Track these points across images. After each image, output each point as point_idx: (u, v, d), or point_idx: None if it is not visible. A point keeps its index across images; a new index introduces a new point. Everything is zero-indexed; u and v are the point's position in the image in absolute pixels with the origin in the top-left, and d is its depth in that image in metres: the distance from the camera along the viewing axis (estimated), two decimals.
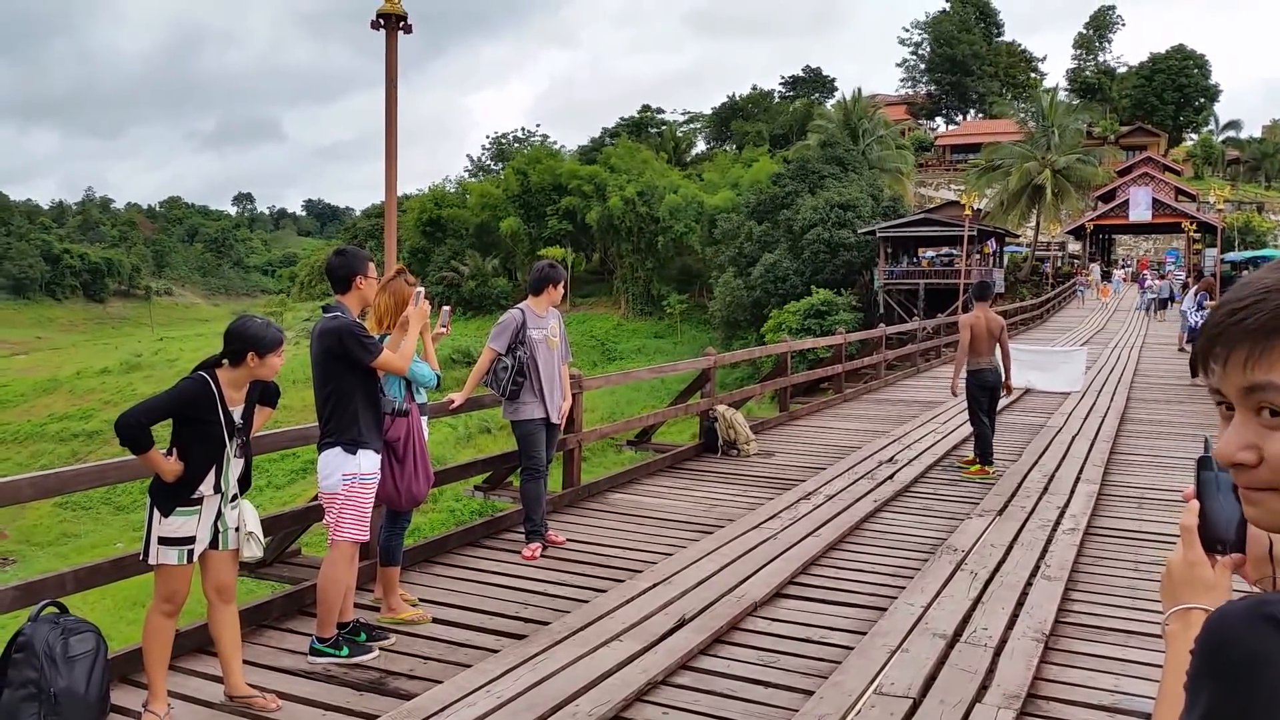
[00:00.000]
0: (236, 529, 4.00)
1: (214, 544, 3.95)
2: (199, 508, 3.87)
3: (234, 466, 3.96)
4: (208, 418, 3.83)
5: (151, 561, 3.88)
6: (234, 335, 3.90)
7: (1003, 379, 9.33)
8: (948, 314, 28.80)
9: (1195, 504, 1.16)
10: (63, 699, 3.47)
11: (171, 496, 3.83)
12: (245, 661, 4.30)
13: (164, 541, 3.83)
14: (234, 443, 3.93)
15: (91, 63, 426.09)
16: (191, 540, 3.86)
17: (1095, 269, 49.19)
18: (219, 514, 3.95)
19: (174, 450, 3.86)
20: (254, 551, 4.02)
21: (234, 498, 4.02)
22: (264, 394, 4.22)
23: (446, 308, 5.45)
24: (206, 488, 3.87)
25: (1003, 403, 13.77)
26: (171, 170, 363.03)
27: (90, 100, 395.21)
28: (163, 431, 3.81)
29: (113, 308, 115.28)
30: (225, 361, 3.91)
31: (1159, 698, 1.09)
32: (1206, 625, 0.89)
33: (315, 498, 5.33)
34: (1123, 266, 57.22)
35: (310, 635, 4.66)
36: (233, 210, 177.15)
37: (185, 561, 3.86)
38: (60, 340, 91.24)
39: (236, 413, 3.94)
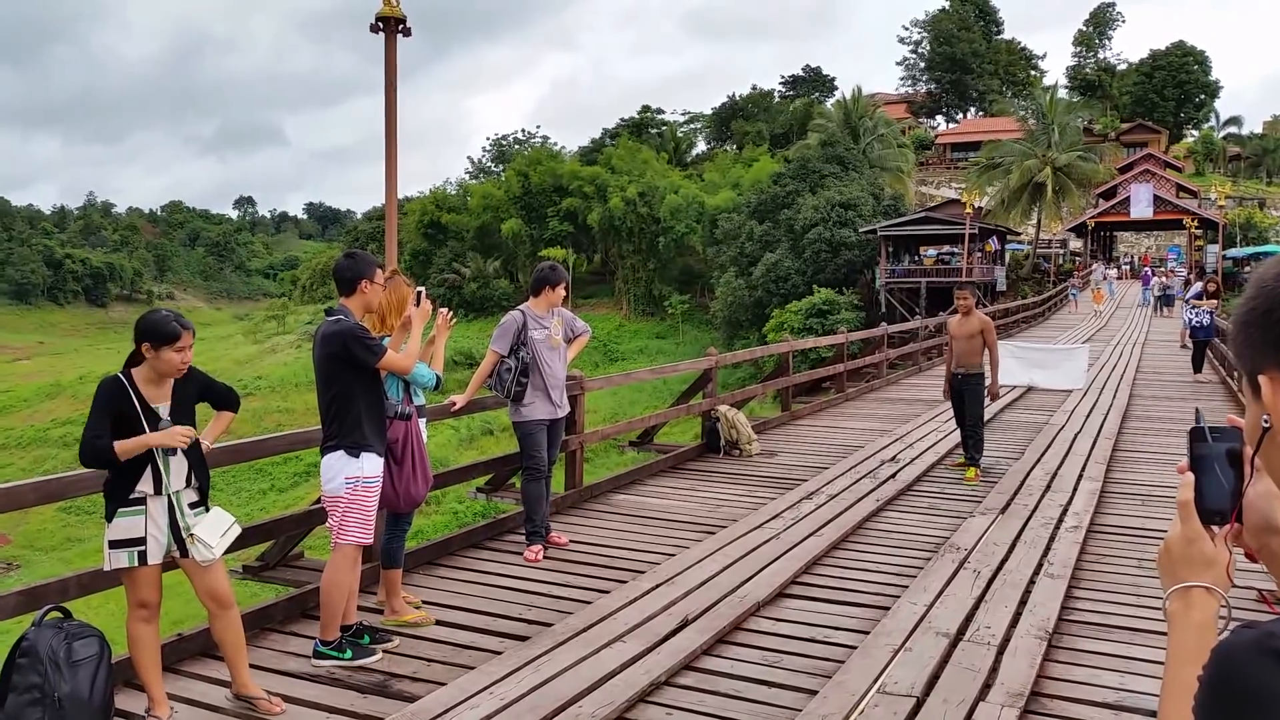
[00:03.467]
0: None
1: (185, 553, 3.92)
2: (142, 508, 3.82)
3: (174, 465, 3.88)
4: (127, 413, 3.80)
5: (106, 568, 3.86)
6: (135, 327, 3.88)
7: (969, 383, 8.92)
8: (949, 312, 28.77)
9: (1190, 477, 1.13)
10: (67, 704, 3.47)
11: (112, 497, 3.82)
12: (250, 664, 4.30)
13: (114, 545, 3.80)
14: None
15: (94, 69, 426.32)
16: (141, 542, 3.81)
17: (1098, 268, 46.76)
18: (176, 520, 3.88)
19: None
20: (202, 554, 3.91)
21: (195, 504, 3.97)
22: (219, 399, 4.21)
23: (445, 310, 5.44)
24: (146, 485, 3.82)
25: (1006, 400, 13.83)
26: (173, 175, 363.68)
27: (93, 106, 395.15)
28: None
29: (115, 312, 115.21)
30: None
31: (1165, 683, 1.08)
32: (1214, 657, 0.88)
33: (318, 501, 5.34)
34: (1122, 264, 56.35)
35: (314, 638, 4.67)
36: (234, 214, 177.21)
37: (138, 563, 3.81)
38: (63, 345, 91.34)
39: (162, 409, 3.87)
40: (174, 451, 3.88)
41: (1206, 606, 1.11)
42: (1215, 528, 1.12)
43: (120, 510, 3.81)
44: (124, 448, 3.73)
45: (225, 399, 4.26)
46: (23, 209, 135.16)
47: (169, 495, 3.87)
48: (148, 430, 3.80)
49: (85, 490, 4.26)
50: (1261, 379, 0.99)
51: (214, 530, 3.97)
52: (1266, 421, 0.99)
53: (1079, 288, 41.71)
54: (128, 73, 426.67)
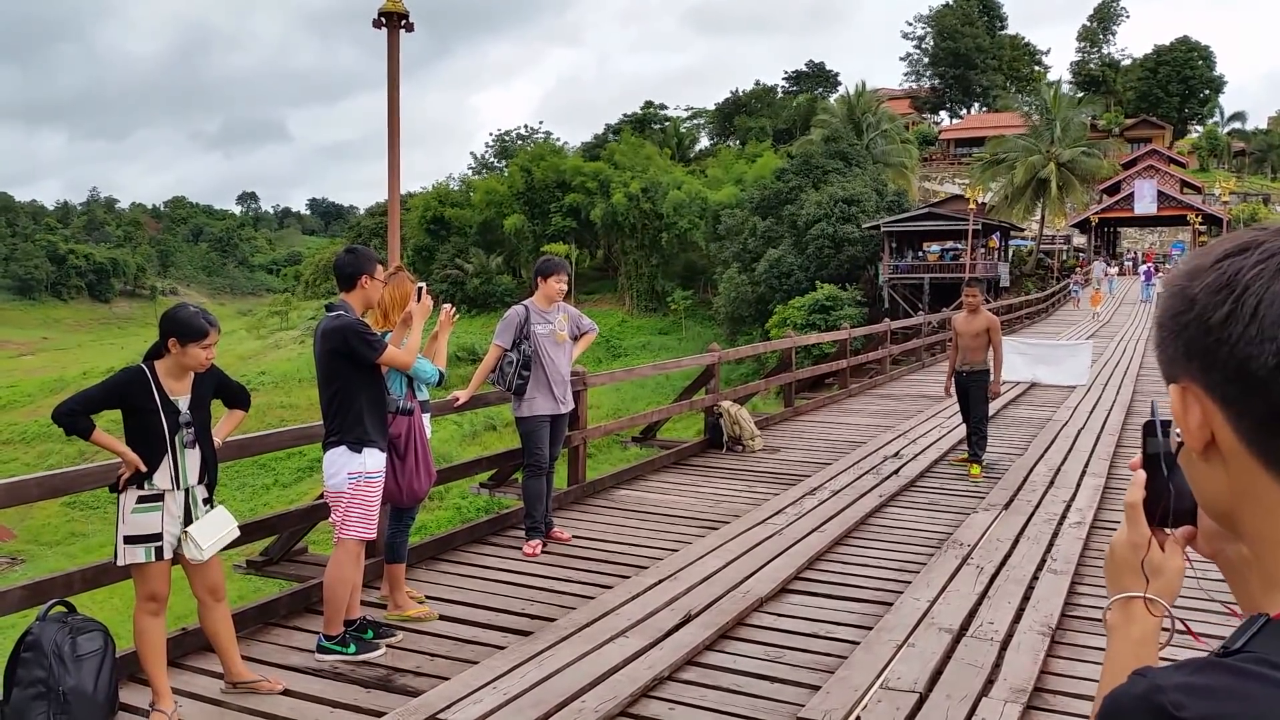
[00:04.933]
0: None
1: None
2: (160, 504, 3.85)
3: (189, 459, 3.91)
4: (145, 406, 3.82)
5: (120, 563, 3.88)
6: (161, 321, 3.91)
7: (975, 380, 8.89)
8: (952, 308, 28.75)
9: (1141, 475, 1.03)
10: (71, 698, 3.48)
11: (126, 490, 3.83)
12: (254, 659, 4.31)
13: (130, 540, 3.82)
14: (182, 433, 3.88)
15: (99, 65, 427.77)
16: (158, 537, 3.84)
17: (1097, 266, 45.85)
18: (190, 515, 3.92)
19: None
20: (192, 553, 3.92)
21: (206, 501, 4.00)
22: (232, 397, 4.23)
23: (447, 306, 5.45)
24: (163, 480, 3.85)
25: (1009, 396, 13.82)
26: (177, 171, 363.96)
27: (97, 102, 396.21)
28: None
29: (118, 307, 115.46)
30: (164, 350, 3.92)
31: (1095, 703, 1.03)
32: (1102, 707, 0.82)
33: (321, 496, 5.34)
34: (1124, 260, 55.96)
35: (317, 633, 4.68)
36: (237, 210, 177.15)
37: (154, 558, 3.83)
38: (66, 340, 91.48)
39: (181, 402, 3.90)
40: (192, 445, 3.91)
41: (1147, 620, 1.02)
42: (1168, 531, 1.03)
43: (137, 507, 3.83)
44: (101, 439, 3.77)
45: (238, 397, 4.30)
46: (26, 205, 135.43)
47: (185, 490, 3.90)
48: (164, 421, 3.84)
49: (89, 485, 4.28)
50: (1172, 389, 0.88)
51: (210, 532, 3.98)
52: (1178, 435, 0.90)
53: (1081, 284, 41.28)
54: (132, 69, 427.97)
